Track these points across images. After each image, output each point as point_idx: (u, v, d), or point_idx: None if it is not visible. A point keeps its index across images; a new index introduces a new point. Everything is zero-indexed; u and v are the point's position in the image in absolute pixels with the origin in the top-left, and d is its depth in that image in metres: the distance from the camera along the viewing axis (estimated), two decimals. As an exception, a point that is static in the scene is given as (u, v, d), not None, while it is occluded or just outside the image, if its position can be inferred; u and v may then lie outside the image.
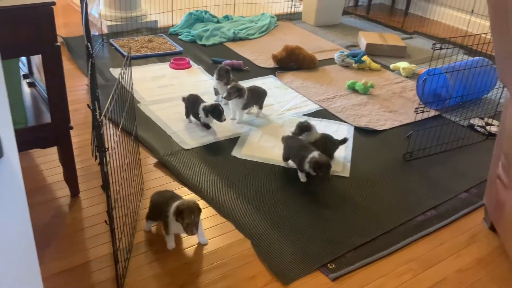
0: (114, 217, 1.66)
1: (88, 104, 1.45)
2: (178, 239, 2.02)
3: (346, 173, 2.56)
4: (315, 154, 2.33)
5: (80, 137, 2.65)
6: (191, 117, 2.90)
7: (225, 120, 2.76)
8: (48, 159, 2.44)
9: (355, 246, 2.07)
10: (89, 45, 1.64)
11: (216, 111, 2.73)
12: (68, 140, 2.02)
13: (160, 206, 1.93)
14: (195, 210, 1.82)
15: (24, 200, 0.77)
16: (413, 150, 2.75)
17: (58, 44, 1.85)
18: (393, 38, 4.44)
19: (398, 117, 3.21)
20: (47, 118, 2.02)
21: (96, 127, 1.44)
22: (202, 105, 2.77)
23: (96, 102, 1.44)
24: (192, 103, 2.85)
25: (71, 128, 2.03)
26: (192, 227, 1.81)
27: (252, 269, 1.91)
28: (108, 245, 1.95)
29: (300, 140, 2.48)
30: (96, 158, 1.56)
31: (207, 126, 2.84)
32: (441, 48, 2.45)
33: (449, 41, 2.64)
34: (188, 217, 1.80)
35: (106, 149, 1.54)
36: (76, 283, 1.78)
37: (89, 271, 1.83)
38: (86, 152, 2.53)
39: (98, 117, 1.40)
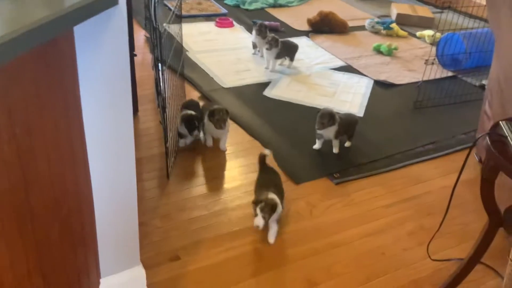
0: (166, 119, 2.17)
1: (146, 16, 1.95)
2: (210, 151, 2.52)
3: (361, 113, 2.98)
4: None
5: (138, 74, 3.18)
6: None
7: (196, 136, 2.49)
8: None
9: (359, 164, 2.50)
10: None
11: (190, 124, 2.43)
12: (132, 65, 2.54)
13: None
14: (223, 110, 2.42)
15: (126, 47, 1.23)
16: (423, 99, 3.13)
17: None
18: (423, 10, 4.75)
19: (416, 75, 3.57)
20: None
21: (157, 38, 1.93)
22: (183, 111, 2.50)
23: (155, 21, 1.94)
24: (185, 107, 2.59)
25: (135, 55, 2.55)
26: (220, 122, 2.39)
27: (271, 172, 2.39)
28: (160, 148, 2.48)
29: None
30: (153, 69, 2.07)
31: (180, 136, 2.51)
32: (441, 12, 2.80)
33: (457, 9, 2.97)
34: (217, 114, 2.38)
35: (162, 60, 2.04)
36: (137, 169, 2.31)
37: (146, 163, 2.36)
38: (144, 84, 3.06)
39: (158, 28, 1.89)
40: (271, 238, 1.94)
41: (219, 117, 2.38)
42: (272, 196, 1.93)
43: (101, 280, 1.50)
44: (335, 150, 2.55)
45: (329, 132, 2.49)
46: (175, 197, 2.16)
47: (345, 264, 1.87)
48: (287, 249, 1.92)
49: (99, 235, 1.44)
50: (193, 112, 2.48)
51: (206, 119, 2.43)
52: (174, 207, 2.09)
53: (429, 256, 1.88)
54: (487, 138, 1.41)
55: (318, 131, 2.50)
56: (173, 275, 1.75)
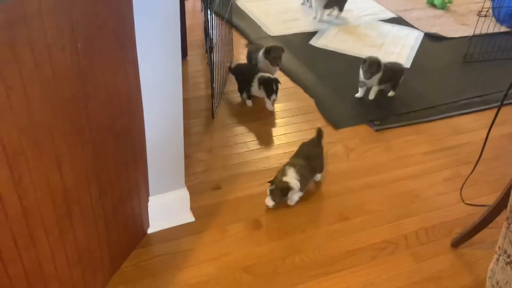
0: (212, 61, 2.27)
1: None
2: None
3: (408, 65, 2.95)
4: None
5: (189, 21, 3.28)
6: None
7: (274, 100, 2.43)
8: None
9: (401, 112, 2.52)
10: None
11: (269, 87, 2.38)
12: (182, 8, 2.64)
13: (252, 54, 2.61)
14: (279, 47, 2.51)
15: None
16: (473, 52, 3.05)
17: None
18: (484, -38, 4.50)
19: (469, 30, 3.46)
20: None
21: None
22: (258, 75, 2.42)
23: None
24: (244, 73, 2.51)
25: (185, -1, 2.65)
26: (277, 60, 2.47)
27: (311, 116, 2.46)
28: (206, 90, 2.59)
29: None
30: (202, 10, 2.15)
31: (249, 97, 2.49)
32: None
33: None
34: (274, 52, 2.47)
35: (211, 3, 2.12)
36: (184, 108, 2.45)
37: (193, 103, 2.49)
38: (194, 31, 3.16)
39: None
40: (292, 202, 1.88)
41: (276, 55, 2.46)
42: (289, 178, 1.82)
43: (150, 198, 1.66)
44: (371, 96, 2.57)
45: (373, 78, 2.51)
46: (218, 135, 2.28)
47: (377, 203, 1.95)
48: (322, 186, 2.01)
49: (149, 157, 1.58)
50: (271, 75, 2.41)
51: (261, 57, 2.50)
52: (217, 143, 2.22)
53: (463, 200, 1.92)
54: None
55: (364, 79, 2.53)
56: (214, 202, 1.89)
